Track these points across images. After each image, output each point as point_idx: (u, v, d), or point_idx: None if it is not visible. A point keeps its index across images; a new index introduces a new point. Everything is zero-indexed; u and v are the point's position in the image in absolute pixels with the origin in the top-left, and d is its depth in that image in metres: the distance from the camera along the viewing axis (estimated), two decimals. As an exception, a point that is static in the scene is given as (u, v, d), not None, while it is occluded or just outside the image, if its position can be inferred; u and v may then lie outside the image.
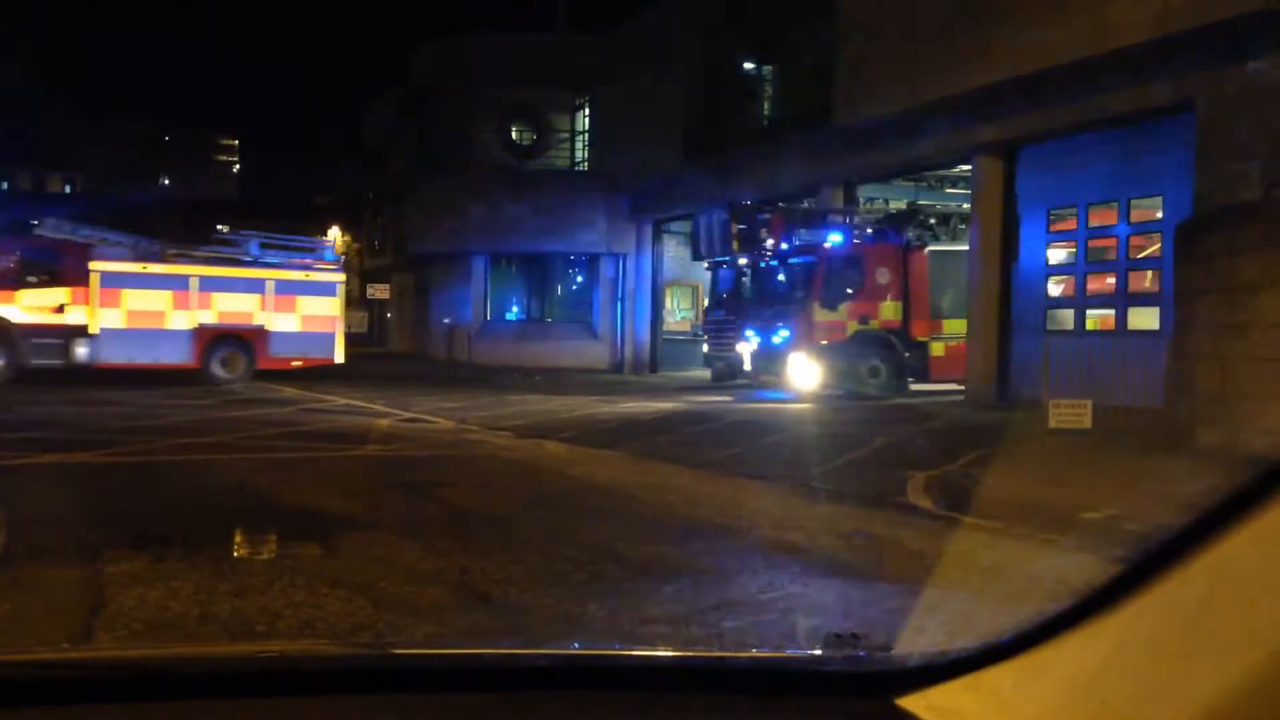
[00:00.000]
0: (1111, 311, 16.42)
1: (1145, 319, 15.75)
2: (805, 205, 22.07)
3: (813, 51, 21.98)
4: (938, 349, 19.60)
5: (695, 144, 26.08)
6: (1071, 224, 17.23)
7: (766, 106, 26.13)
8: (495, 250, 33.95)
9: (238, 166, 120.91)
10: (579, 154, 35.44)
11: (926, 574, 6.00)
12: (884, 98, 18.78)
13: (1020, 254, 17.89)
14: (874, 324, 19.31)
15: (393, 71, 39.61)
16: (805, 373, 18.80)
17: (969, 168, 19.23)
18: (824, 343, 18.90)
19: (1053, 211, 17.52)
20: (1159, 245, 15.60)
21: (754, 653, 2.64)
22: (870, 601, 5.52)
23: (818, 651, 1.90)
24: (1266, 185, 12.68)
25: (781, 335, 19.43)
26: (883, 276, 19.49)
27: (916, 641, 1.87)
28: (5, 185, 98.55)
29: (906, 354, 19.41)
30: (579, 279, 35.07)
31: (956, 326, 19.27)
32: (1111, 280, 16.59)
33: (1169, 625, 1.16)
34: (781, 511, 8.26)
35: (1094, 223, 16.82)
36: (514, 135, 35.11)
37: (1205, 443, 10.14)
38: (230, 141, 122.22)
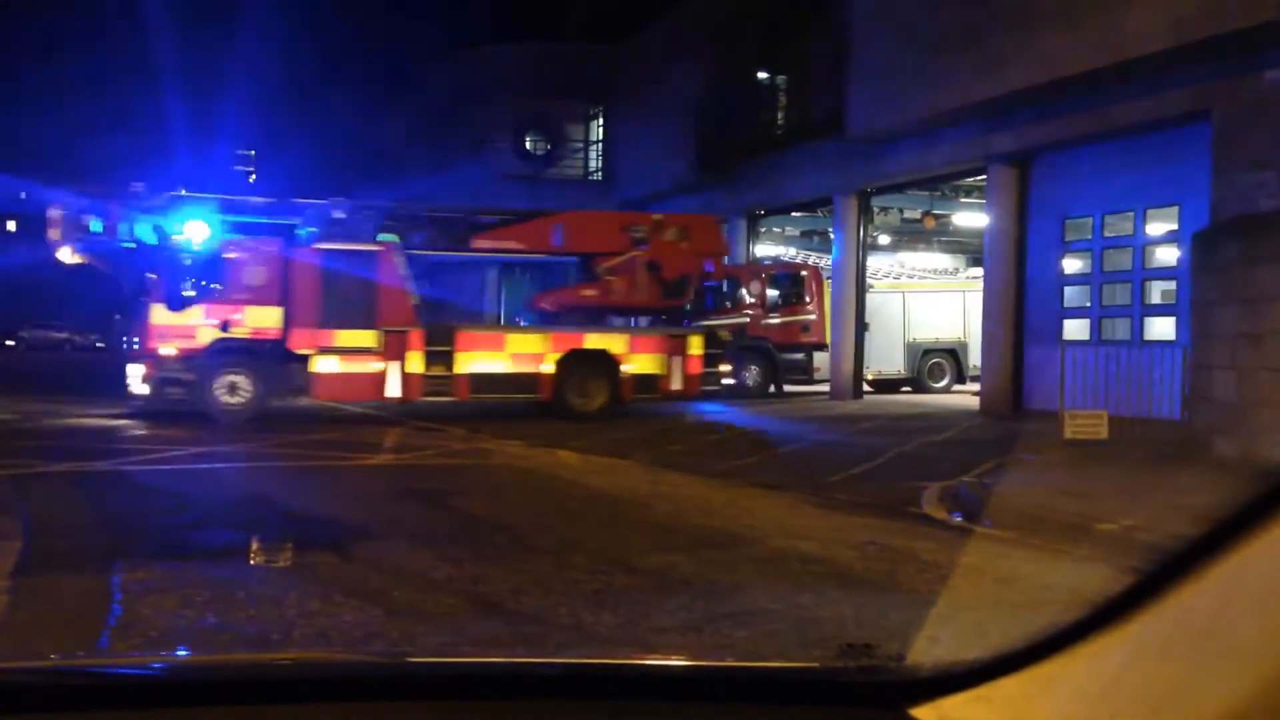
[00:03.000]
0: (1128, 321, 16.35)
1: (1162, 329, 15.69)
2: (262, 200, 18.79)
3: (825, 61, 21.97)
4: (325, 363, 16.51)
5: (708, 153, 26.10)
6: (1087, 233, 17.17)
7: (779, 116, 26.14)
8: (508, 259, 33.96)
9: (254, 177, 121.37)
10: (593, 163, 35.51)
11: (940, 584, 5.99)
12: (897, 107, 18.76)
13: (1035, 264, 17.84)
14: (240, 332, 16.25)
15: (409, 81, 39.66)
16: (144, 386, 15.98)
17: (983, 177, 19.19)
18: (170, 352, 15.90)
19: (1068, 221, 17.46)
20: (1176, 255, 15.55)
21: (766, 662, 2.64)
22: (884, 611, 5.50)
23: (831, 662, 1.89)
24: (1283, 195, 12.62)
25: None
26: (255, 277, 16.37)
27: (930, 651, 1.87)
28: (23, 196, 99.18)
29: (282, 367, 16.49)
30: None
31: (356, 339, 16.67)
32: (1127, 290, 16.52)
33: (1182, 636, 1.16)
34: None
35: (1110, 232, 16.76)
36: (528, 145, 35.19)
37: (1222, 453, 10.09)
38: (247, 152, 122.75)
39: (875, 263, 25.41)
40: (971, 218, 23.98)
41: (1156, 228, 16.35)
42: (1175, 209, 15.55)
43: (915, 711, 1.44)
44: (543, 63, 33.30)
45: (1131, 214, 16.28)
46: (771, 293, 22.84)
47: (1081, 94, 15.39)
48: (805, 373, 22.85)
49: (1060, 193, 17.45)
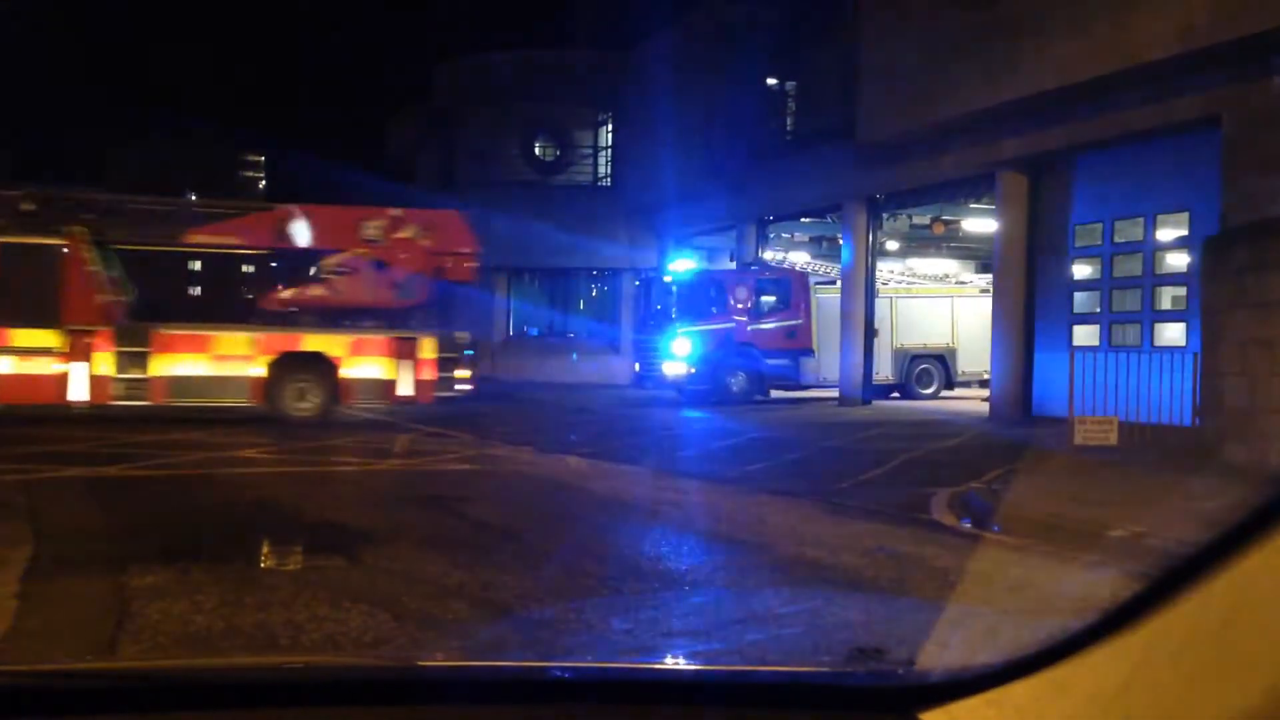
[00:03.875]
0: (1138, 327, 16.31)
1: (1172, 335, 15.65)
2: None
3: (835, 67, 21.98)
4: None
5: (717, 159, 26.12)
6: (1097, 239, 17.14)
7: (789, 122, 26.15)
8: (518, 265, 34.07)
9: (264, 183, 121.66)
10: (602, 169, 35.54)
11: (950, 590, 5.97)
12: (907, 113, 18.75)
13: (1044, 269, 17.80)
14: None
15: (417, 88, 39.74)
16: None
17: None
18: None
19: (1078, 226, 17.43)
20: (1186, 260, 15.51)
21: (776, 667, 2.63)
22: (893, 617, 5.49)
23: (841, 666, 1.89)
24: (1294, 200, 12.57)
25: None
26: None
27: (940, 657, 1.86)
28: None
29: None
30: (602, 294, 35.13)
31: (34, 338, 15.58)
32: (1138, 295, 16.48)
33: (1193, 642, 1.15)
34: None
35: (1119, 238, 16.72)
36: (537, 151, 35.23)
37: (1233, 459, 10.05)
38: (256, 157, 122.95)
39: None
40: (981, 223, 23.93)
41: (1166, 233, 16.30)
42: (1185, 214, 15.51)
43: (925, 716, 1.44)
44: (552, 69, 33.35)
45: (1141, 219, 16.24)
46: (757, 298, 22.78)
47: (1091, 100, 15.37)
48: (792, 378, 22.81)
49: (1070, 198, 17.42)
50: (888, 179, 21.08)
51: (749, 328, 22.36)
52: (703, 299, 22.52)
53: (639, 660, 3.04)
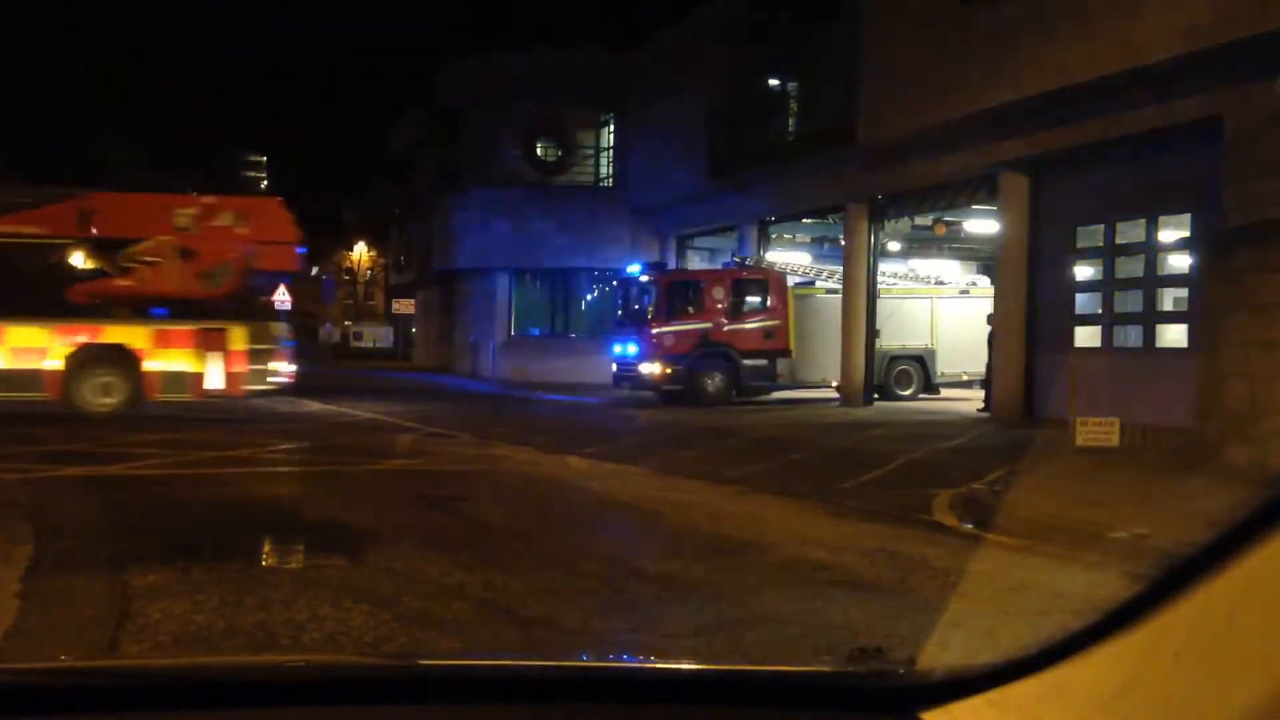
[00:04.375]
0: (1140, 328, 16.29)
1: (1174, 336, 15.63)
2: None
3: (837, 68, 21.97)
4: None
5: (719, 160, 26.12)
6: (1098, 240, 17.12)
7: (790, 123, 26.12)
8: (519, 266, 34.12)
9: (265, 183, 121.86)
10: (604, 170, 35.55)
11: (951, 591, 5.97)
12: (908, 115, 18.73)
13: (1046, 270, 17.78)
14: None
15: (419, 88, 39.80)
16: None
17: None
18: None
19: (1079, 228, 17.40)
20: (1188, 262, 15.49)
21: (777, 666, 2.63)
22: (894, 617, 5.49)
23: (842, 666, 1.89)
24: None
25: None
26: None
27: (940, 656, 1.86)
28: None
29: None
30: (603, 294, 35.15)
31: None
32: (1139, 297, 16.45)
33: (1194, 642, 1.15)
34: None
35: (1121, 239, 16.70)
36: (539, 151, 35.24)
37: (1234, 461, 10.05)
38: (258, 158, 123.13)
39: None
40: (983, 224, 23.88)
41: (1168, 235, 16.26)
42: (1187, 216, 15.47)
43: (926, 716, 1.44)
44: (554, 69, 33.36)
45: (1143, 221, 16.20)
46: (735, 298, 22.70)
47: (1093, 101, 15.34)
48: (768, 379, 22.77)
49: (1071, 199, 17.38)
50: (889, 180, 21.06)
51: (726, 328, 22.33)
52: (679, 299, 22.48)
53: (639, 660, 3.05)
